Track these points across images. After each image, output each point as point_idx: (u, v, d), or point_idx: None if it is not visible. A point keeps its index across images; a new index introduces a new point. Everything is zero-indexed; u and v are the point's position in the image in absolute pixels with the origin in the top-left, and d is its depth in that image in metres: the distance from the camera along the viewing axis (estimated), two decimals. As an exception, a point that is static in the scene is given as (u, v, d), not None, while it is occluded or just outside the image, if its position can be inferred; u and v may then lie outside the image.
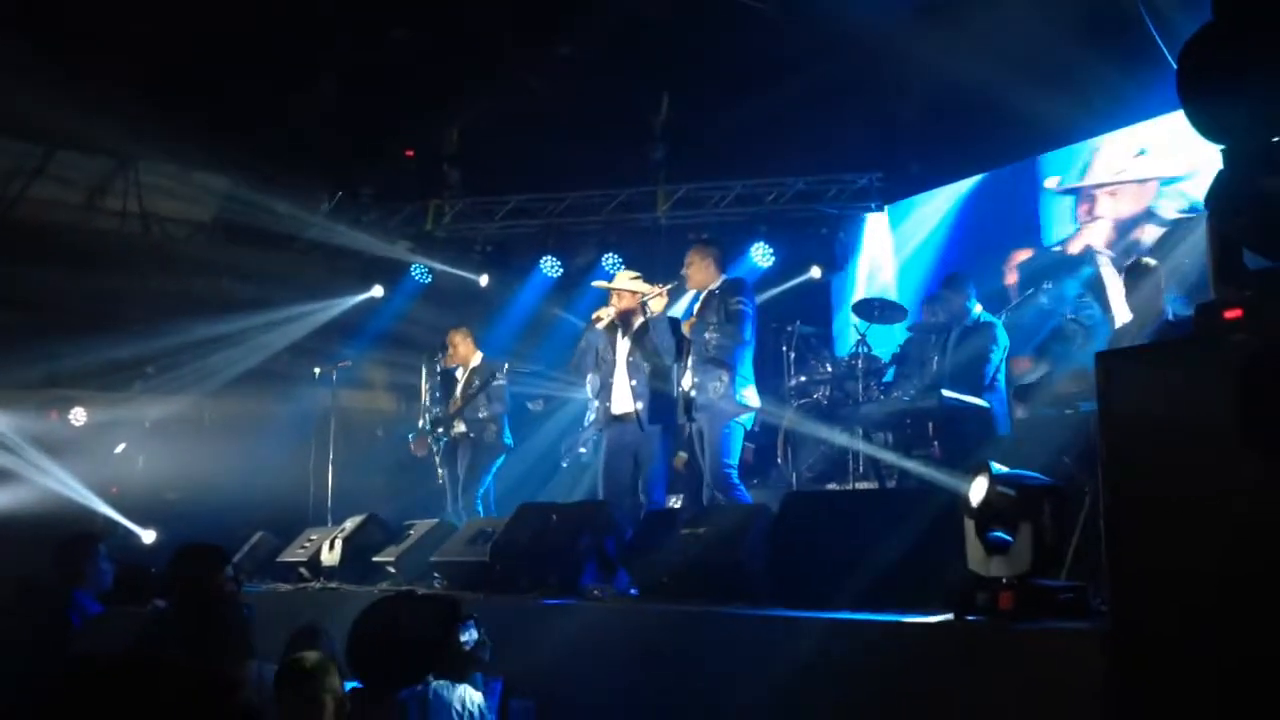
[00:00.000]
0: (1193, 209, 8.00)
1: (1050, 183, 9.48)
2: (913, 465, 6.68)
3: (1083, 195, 9.25)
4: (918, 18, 8.15)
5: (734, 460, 6.60)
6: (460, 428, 8.60)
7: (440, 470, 8.75)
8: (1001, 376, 7.11)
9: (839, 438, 7.61)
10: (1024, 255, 9.56)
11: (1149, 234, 8.60)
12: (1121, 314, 7.30)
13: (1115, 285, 8.04)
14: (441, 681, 3.59)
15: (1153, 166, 8.65)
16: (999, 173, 9.97)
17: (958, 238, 10.17)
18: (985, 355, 7.10)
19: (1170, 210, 8.44)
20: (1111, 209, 9.02)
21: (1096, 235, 9.09)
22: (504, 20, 8.57)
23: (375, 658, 3.58)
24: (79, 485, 9.62)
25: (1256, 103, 2.70)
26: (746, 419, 6.71)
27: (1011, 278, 9.49)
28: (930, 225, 10.44)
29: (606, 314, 7.03)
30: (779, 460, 8.45)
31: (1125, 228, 8.86)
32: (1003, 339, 7.16)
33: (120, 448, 11.28)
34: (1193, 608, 2.77)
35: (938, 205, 10.39)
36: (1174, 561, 2.84)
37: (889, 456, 7.04)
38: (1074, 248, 9.23)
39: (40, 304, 10.38)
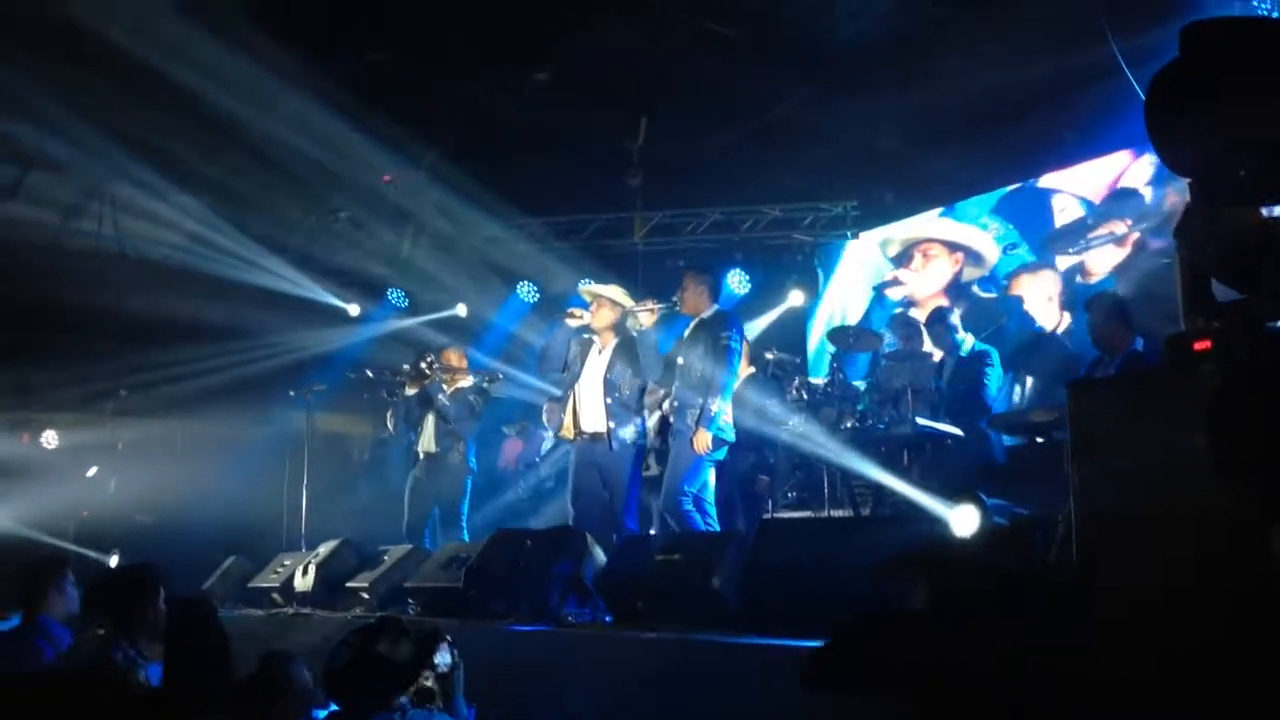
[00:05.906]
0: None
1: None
2: (890, 490, 6.64)
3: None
4: (895, 47, 8.22)
5: (693, 487, 6.51)
6: (430, 447, 8.40)
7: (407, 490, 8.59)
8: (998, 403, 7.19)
9: (849, 458, 7.36)
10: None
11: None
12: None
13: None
14: (419, 711, 3.56)
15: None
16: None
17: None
18: (981, 382, 7.15)
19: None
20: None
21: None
22: (482, 45, 8.58)
23: (349, 682, 3.56)
24: (29, 526, 9.38)
25: (1223, 136, 2.74)
26: (719, 451, 6.67)
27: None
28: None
29: (583, 315, 6.95)
30: (755, 487, 8.42)
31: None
32: (998, 366, 7.25)
33: (92, 471, 11.15)
34: (1163, 635, 2.79)
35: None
36: (1144, 589, 2.85)
37: (883, 476, 6.89)
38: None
39: (12, 325, 10.28)
